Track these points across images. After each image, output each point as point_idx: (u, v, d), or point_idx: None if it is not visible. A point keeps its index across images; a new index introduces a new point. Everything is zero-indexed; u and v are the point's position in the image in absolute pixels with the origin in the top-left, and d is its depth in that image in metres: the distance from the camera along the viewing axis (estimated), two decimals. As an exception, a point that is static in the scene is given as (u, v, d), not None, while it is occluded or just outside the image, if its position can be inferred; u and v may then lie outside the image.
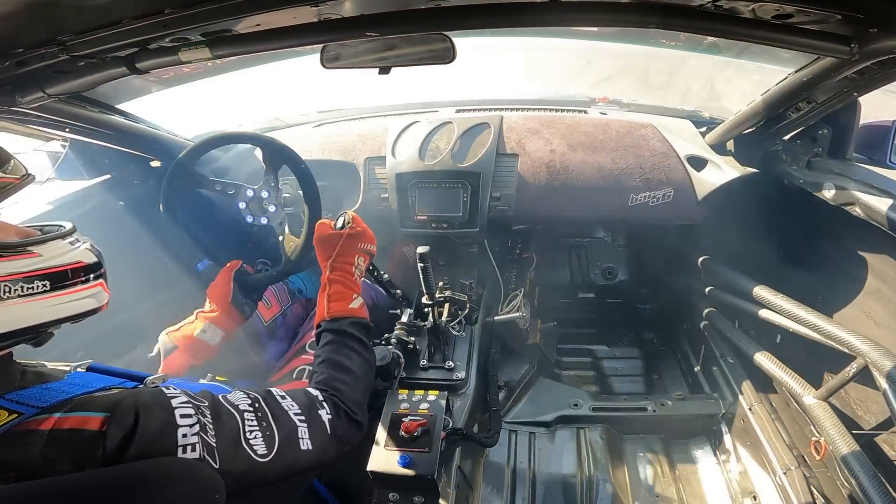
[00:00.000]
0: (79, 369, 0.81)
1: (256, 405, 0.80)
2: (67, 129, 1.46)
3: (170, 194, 1.48)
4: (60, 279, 0.74)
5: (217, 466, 0.68)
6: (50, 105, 1.25)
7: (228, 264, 1.47)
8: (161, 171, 1.89)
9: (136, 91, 1.64)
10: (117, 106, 1.59)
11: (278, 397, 0.86)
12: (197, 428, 0.68)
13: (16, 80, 1.07)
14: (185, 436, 0.66)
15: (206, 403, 0.73)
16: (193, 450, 0.66)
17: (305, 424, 0.84)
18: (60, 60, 0.99)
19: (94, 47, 0.96)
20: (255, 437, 0.76)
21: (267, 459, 0.75)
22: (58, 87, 1.10)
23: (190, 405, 0.70)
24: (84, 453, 0.60)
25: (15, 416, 0.62)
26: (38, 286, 0.70)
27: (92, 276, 0.79)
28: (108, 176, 1.82)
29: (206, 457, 0.67)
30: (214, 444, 0.69)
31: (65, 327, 0.77)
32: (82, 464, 0.59)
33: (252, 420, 0.77)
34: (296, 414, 0.85)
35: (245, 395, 0.82)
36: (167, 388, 0.73)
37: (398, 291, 1.56)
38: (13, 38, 0.90)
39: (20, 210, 1.52)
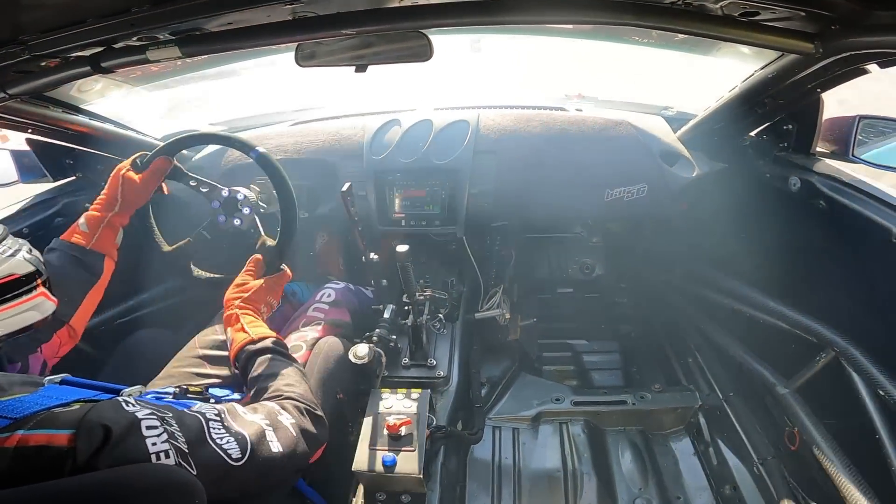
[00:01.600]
0: (52, 382, 0.78)
1: (221, 416, 0.80)
2: (30, 130, 1.40)
3: (182, 144, 1.45)
4: None
5: (195, 472, 0.67)
6: (11, 105, 1.21)
7: (162, 162, 1.38)
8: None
9: (103, 90, 1.58)
10: (83, 106, 1.53)
11: (239, 410, 0.86)
12: (165, 436, 0.67)
13: (-26, 80, 1.03)
14: (154, 444, 0.65)
15: (170, 414, 0.72)
16: (167, 456, 0.65)
17: (271, 428, 0.85)
18: (22, 60, 0.95)
19: (58, 46, 0.93)
20: (226, 442, 0.75)
21: (242, 462, 0.75)
22: (20, 87, 1.07)
23: (154, 416, 0.69)
24: (52, 468, 0.58)
25: None
26: None
27: (29, 287, 0.75)
28: (74, 178, 1.76)
29: (182, 462, 0.66)
30: (187, 450, 0.68)
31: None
32: (49, 478, 0.57)
33: (218, 427, 0.77)
34: (261, 419, 0.86)
35: (210, 407, 0.82)
36: (126, 402, 0.71)
37: (384, 281, 1.55)
38: (-30, 37, 0.86)
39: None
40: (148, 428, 0.66)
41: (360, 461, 1.13)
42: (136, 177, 1.32)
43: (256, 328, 1.15)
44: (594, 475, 1.60)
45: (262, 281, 1.26)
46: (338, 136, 1.93)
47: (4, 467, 0.57)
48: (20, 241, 0.81)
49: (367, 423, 1.22)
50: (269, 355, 1.09)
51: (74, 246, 1.22)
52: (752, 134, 1.65)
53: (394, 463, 1.11)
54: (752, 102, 1.47)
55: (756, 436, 1.53)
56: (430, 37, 1.04)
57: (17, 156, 1.60)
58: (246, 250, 1.40)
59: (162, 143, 1.60)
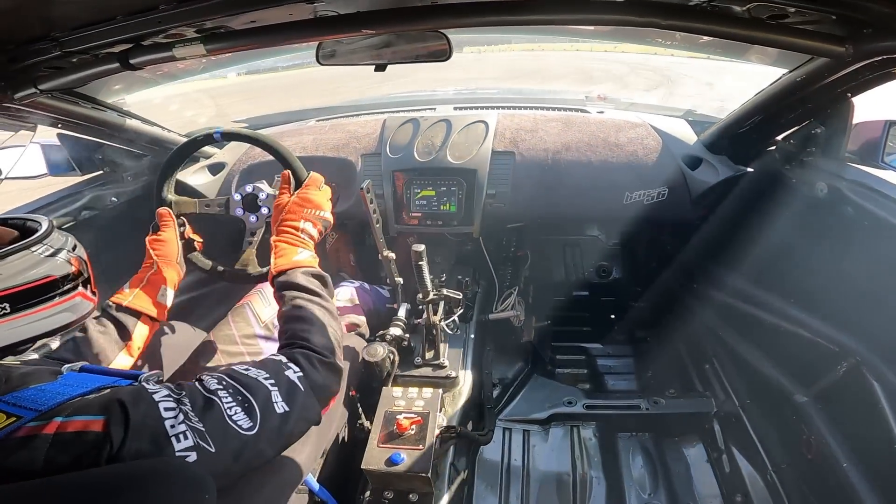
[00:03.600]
0: (72, 370, 0.80)
1: (224, 382, 0.79)
2: (60, 125, 1.45)
3: (180, 153, 1.42)
4: (22, 299, 0.69)
5: (213, 450, 0.68)
6: (42, 101, 1.24)
7: (162, 214, 1.31)
8: (155, 166, 1.88)
9: (129, 86, 1.62)
10: (109, 101, 1.57)
11: (241, 370, 0.84)
12: (182, 417, 0.68)
13: (8, 76, 1.07)
14: (173, 426, 0.66)
15: (184, 392, 0.73)
16: (186, 437, 0.66)
17: (276, 388, 0.82)
18: (53, 56, 0.98)
19: (88, 43, 0.96)
20: (236, 413, 0.74)
21: (254, 432, 0.74)
22: (50, 83, 1.10)
23: (170, 398, 0.69)
24: (90, 455, 0.60)
25: (13, 419, 0.60)
26: None
27: (65, 289, 0.75)
28: (101, 172, 1.81)
29: (200, 442, 0.67)
30: (203, 429, 0.69)
31: None
32: (86, 466, 0.59)
33: (227, 397, 0.76)
34: (265, 379, 0.83)
35: (211, 377, 0.81)
36: (146, 384, 0.72)
37: (400, 280, 1.55)
38: (6, 34, 0.89)
39: (10, 207, 1.51)
40: (165, 409, 0.67)
41: (370, 459, 1.14)
42: (155, 237, 1.29)
43: (282, 258, 1.09)
44: (603, 479, 1.59)
45: (293, 196, 1.17)
46: (356, 134, 1.95)
47: (42, 455, 0.58)
48: (66, 235, 0.81)
49: (378, 420, 1.23)
50: (292, 292, 1.04)
51: (110, 304, 1.18)
52: (779, 138, 1.61)
53: (403, 461, 1.11)
54: (779, 106, 1.43)
55: (771, 444, 1.49)
56: (450, 37, 1.04)
57: (46, 149, 1.65)
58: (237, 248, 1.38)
59: (185, 139, 1.63)
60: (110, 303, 1.16)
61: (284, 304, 1.03)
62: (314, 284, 1.06)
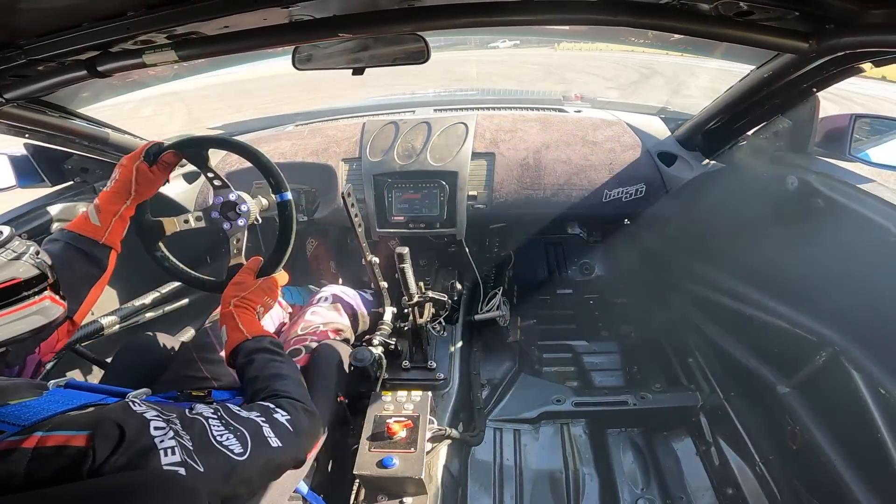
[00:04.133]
0: (58, 385, 0.78)
1: (218, 413, 0.81)
2: (28, 135, 1.40)
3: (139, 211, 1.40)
4: None
5: (202, 470, 0.67)
6: (8, 110, 1.20)
7: (169, 157, 1.28)
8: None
9: (98, 95, 1.58)
10: (80, 110, 1.53)
11: (234, 409, 0.86)
12: (171, 434, 0.67)
13: (-30, 85, 1.03)
14: (161, 441, 0.65)
15: (175, 414, 0.73)
16: (173, 453, 0.65)
17: (268, 424, 0.85)
18: (18, 64, 0.95)
19: (54, 50, 0.93)
20: (227, 439, 0.75)
21: (245, 457, 0.75)
22: (16, 92, 1.06)
23: (160, 418, 0.69)
24: (70, 469, 0.59)
25: None
26: None
27: (33, 291, 0.74)
28: (72, 182, 1.75)
29: (188, 460, 0.66)
30: (192, 448, 0.69)
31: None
32: (67, 480, 0.58)
33: (218, 425, 0.77)
34: (256, 416, 0.85)
35: (206, 406, 0.82)
36: (133, 404, 0.71)
37: (384, 284, 1.54)
38: (-34, 41, 0.86)
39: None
40: (156, 428, 0.67)
41: (362, 464, 1.13)
42: (148, 168, 1.25)
43: (252, 326, 1.15)
44: (596, 476, 1.60)
45: (259, 281, 1.25)
46: (336, 138, 1.93)
47: (22, 469, 0.57)
48: (28, 243, 0.79)
49: (368, 425, 1.22)
50: (264, 355, 1.08)
51: (83, 238, 1.15)
52: (749, 133, 1.65)
53: (395, 465, 1.11)
54: (748, 102, 1.47)
55: (758, 435, 1.53)
56: (427, 39, 1.04)
57: (14, 160, 1.59)
58: (222, 255, 1.37)
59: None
60: (80, 235, 1.14)
61: (254, 365, 1.06)
62: (273, 346, 1.12)
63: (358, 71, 1.16)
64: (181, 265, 1.39)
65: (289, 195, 1.29)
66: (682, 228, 2.08)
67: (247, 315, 1.16)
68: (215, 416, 0.79)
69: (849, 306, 1.32)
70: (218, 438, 0.75)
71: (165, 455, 0.64)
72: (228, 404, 0.88)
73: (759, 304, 1.53)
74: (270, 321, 1.58)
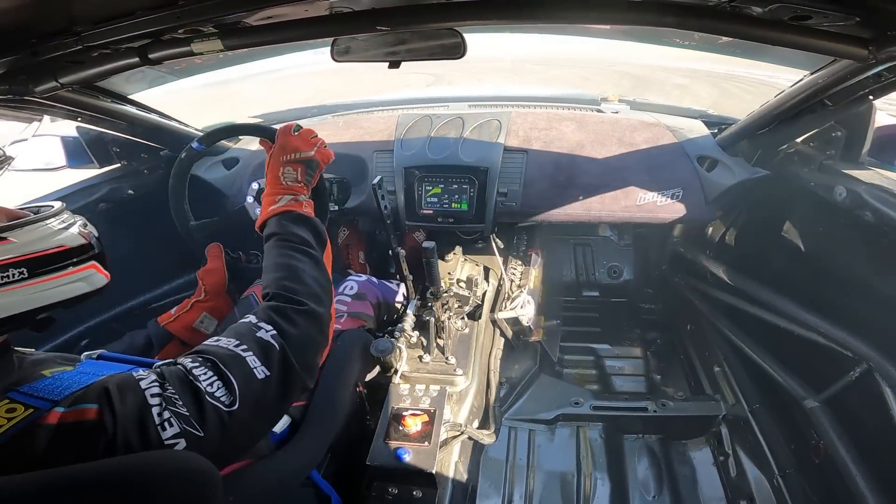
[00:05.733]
0: (90, 358, 0.81)
1: (200, 359, 0.77)
2: (80, 119, 1.47)
3: (179, 176, 1.48)
4: (39, 265, 0.71)
5: (201, 434, 0.68)
6: (63, 94, 1.26)
7: (212, 248, 1.47)
8: (171, 160, 1.91)
9: (148, 81, 1.65)
10: (129, 96, 1.60)
11: (212, 343, 0.81)
12: (165, 403, 0.67)
13: (30, 70, 1.08)
14: (160, 414, 0.66)
15: (167, 380, 0.72)
16: (171, 425, 0.66)
17: (250, 353, 0.79)
18: (75, 50, 1.00)
19: (109, 38, 0.97)
20: (218, 389, 0.73)
21: (236, 406, 0.72)
22: (71, 77, 1.11)
23: (156, 384, 0.69)
24: (88, 444, 0.61)
25: (31, 410, 0.61)
26: (13, 274, 0.68)
27: (79, 259, 0.77)
28: (118, 165, 1.84)
29: (187, 428, 0.67)
30: (188, 413, 0.68)
31: (70, 312, 0.77)
32: (85, 456, 0.59)
33: (204, 374, 0.74)
34: (236, 346, 0.79)
35: (187, 356, 0.79)
36: (135, 372, 0.72)
37: (410, 276, 1.56)
38: (29, 28, 0.91)
39: (30, 197, 1.54)
40: (151, 395, 0.67)
41: (375, 454, 1.14)
42: (205, 268, 1.46)
43: (264, 211, 1.07)
44: (608, 480, 1.58)
45: (273, 147, 1.16)
46: (370, 130, 1.95)
47: (45, 445, 0.59)
48: (76, 216, 0.84)
49: (384, 417, 1.23)
50: (270, 242, 1.00)
51: (154, 324, 1.34)
52: (798, 140, 1.58)
53: (408, 458, 1.12)
54: (799, 108, 1.41)
55: (779, 448, 1.48)
56: (464, 34, 1.03)
57: (66, 142, 1.68)
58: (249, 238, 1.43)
59: (200, 133, 1.65)
60: (156, 321, 1.31)
61: (265, 256, 0.99)
62: (295, 229, 1.01)
63: (394, 64, 1.17)
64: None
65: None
66: (719, 235, 2.02)
67: (266, 198, 1.09)
68: (198, 363, 0.76)
69: (888, 323, 1.26)
70: (208, 390, 0.72)
71: (164, 429, 0.65)
72: (205, 343, 0.82)
73: (795, 316, 1.48)
74: None
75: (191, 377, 0.73)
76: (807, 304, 1.48)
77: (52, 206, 0.80)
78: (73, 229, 0.78)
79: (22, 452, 0.59)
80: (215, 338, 0.82)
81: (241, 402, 0.73)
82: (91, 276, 0.79)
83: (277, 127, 1.20)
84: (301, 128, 1.19)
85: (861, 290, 1.37)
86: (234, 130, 1.44)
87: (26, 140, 1.54)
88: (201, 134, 1.71)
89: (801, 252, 1.61)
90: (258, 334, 0.82)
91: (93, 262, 0.79)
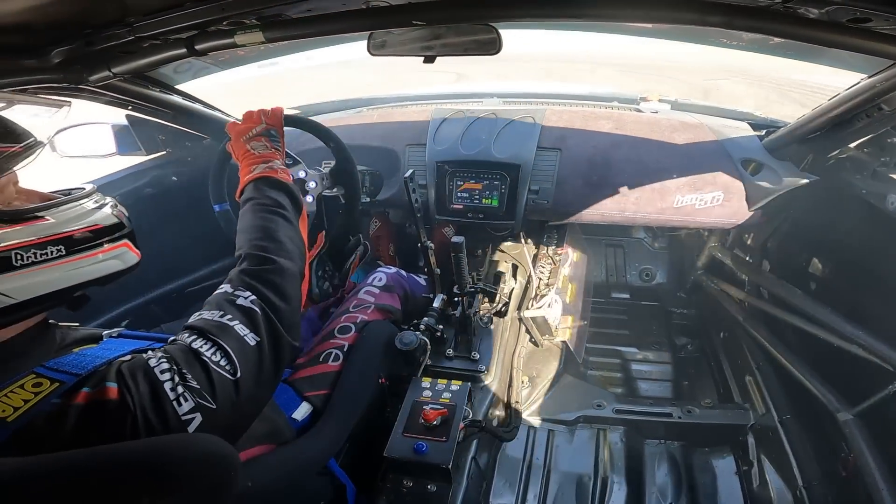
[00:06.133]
0: (110, 336, 0.84)
1: (196, 333, 0.77)
2: (130, 107, 1.54)
3: (220, 163, 1.53)
4: (76, 243, 0.74)
5: (214, 406, 0.69)
6: (115, 83, 1.32)
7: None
8: (213, 149, 1.98)
9: (193, 72, 1.71)
10: (176, 86, 1.66)
11: (195, 318, 0.81)
12: (177, 378, 0.68)
13: (84, 59, 1.13)
14: (172, 389, 0.67)
15: (175, 352, 0.73)
16: (186, 399, 0.66)
17: (236, 321, 0.79)
18: (127, 41, 1.04)
19: (158, 28, 1.01)
20: (220, 359, 0.73)
21: (239, 374, 0.73)
22: (123, 67, 1.16)
23: (164, 360, 0.70)
24: (115, 424, 0.62)
25: (57, 384, 0.63)
26: (52, 251, 0.71)
27: (112, 237, 0.79)
28: (164, 153, 1.91)
29: (200, 401, 0.68)
30: (199, 386, 0.69)
31: (113, 294, 0.80)
32: (112, 436, 0.61)
33: (204, 344, 0.74)
34: (220, 317, 0.79)
35: (181, 334, 0.79)
36: (147, 351, 0.74)
37: (437, 270, 1.57)
38: (83, 18, 0.95)
39: (78, 181, 1.64)
40: (161, 372, 0.68)
41: (393, 447, 1.15)
42: None
43: (242, 177, 1.10)
44: (625, 484, 1.55)
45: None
46: (403, 124, 1.97)
47: (72, 424, 0.61)
48: (108, 198, 0.87)
49: (405, 409, 1.25)
50: (246, 206, 1.02)
51: None
52: (852, 146, 1.50)
53: (425, 452, 1.13)
54: (854, 112, 1.33)
55: (806, 459, 1.43)
56: (500, 30, 1.02)
57: (116, 130, 1.77)
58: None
59: None
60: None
61: (239, 220, 1.00)
62: (269, 193, 1.03)
63: (429, 59, 1.17)
64: None
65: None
66: (760, 241, 1.93)
67: (242, 168, 1.12)
68: (195, 337, 0.76)
69: None
70: (214, 360, 0.73)
71: (179, 404, 0.66)
72: (190, 319, 0.82)
73: (835, 326, 1.42)
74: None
75: (194, 352, 0.73)
76: (849, 315, 1.41)
77: (84, 189, 0.83)
78: (105, 209, 0.82)
79: (52, 433, 0.60)
80: (197, 313, 0.82)
81: (241, 370, 0.74)
82: (124, 254, 0.82)
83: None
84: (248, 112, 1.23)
85: None
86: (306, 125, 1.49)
87: (73, 127, 1.63)
88: None
89: (846, 261, 1.53)
90: (238, 302, 0.81)
91: (125, 241, 0.82)
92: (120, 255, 0.81)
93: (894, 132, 1.36)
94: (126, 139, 1.77)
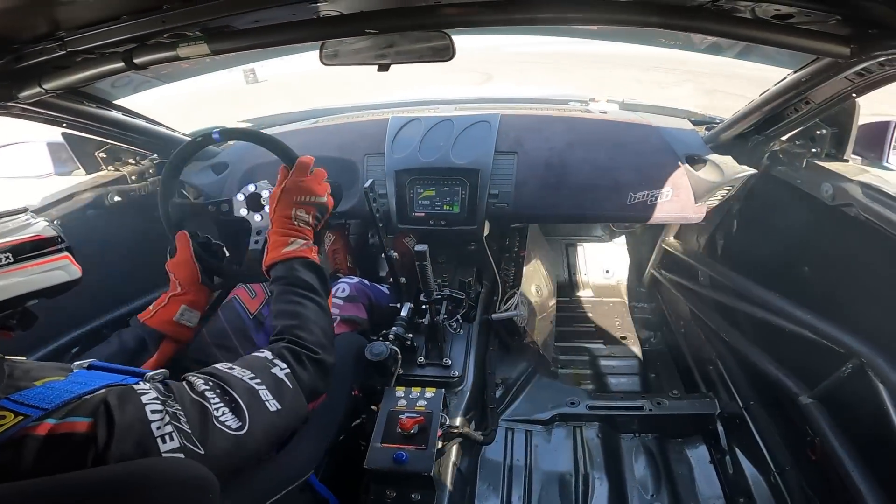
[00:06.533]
0: (81, 367, 0.81)
1: (211, 382, 0.79)
2: (65, 125, 1.45)
3: (169, 180, 1.44)
4: (22, 251, 0.77)
5: (202, 452, 0.68)
6: (47, 100, 1.25)
7: (179, 238, 1.35)
8: (159, 166, 1.89)
9: (134, 86, 1.63)
10: (115, 102, 1.58)
11: (226, 369, 0.84)
12: (168, 418, 0.68)
13: (13, 75, 1.07)
14: (159, 428, 0.67)
15: (173, 396, 0.73)
16: (171, 439, 0.66)
17: (263, 386, 0.82)
18: (58, 55, 0.99)
19: (93, 42, 0.96)
20: (224, 415, 0.75)
21: (244, 431, 0.75)
22: (55, 83, 1.10)
23: (158, 400, 0.70)
24: (77, 456, 0.61)
25: (21, 418, 0.61)
26: (1, 259, 0.73)
27: (54, 249, 0.82)
28: (105, 171, 1.82)
29: (188, 444, 0.67)
30: (190, 431, 0.69)
31: (62, 320, 0.78)
32: (73, 468, 0.60)
33: (215, 399, 0.77)
34: (250, 378, 0.83)
35: (198, 376, 0.81)
36: (137, 384, 0.73)
37: (403, 279, 1.55)
38: (11, 33, 0.90)
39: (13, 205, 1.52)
40: (153, 412, 0.68)
41: (373, 458, 1.14)
42: (174, 261, 1.33)
43: (273, 251, 1.09)
44: (606, 480, 1.58)
45: (285, 183, 1.15)
46: (360, 133, 1.95)
47: (33, 456, 0.59)
48: (40, 217, 0.87)
49: (381, 420, 1.23)
50: (281, 285, 1.03)
51: (139, 323, 1.26)
52: (784, 139, 1.60)
53: (406, 461, 1.11)
54: (784, 107, 1.43)
55: (776, 445, 1.49)
56: (453, 37, 1.04)
57: (52, 148, 1.66)
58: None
59: (189, 138, 1.64)
60: (137, 319, 1.25)
61: (275, 298, 1.03)
62: (305, 276, 1.05)
63: (383, 67, 1.17)
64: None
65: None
66: (709, 234, 2.03)
67: (275, 238, 1.10)
68: (209, 387, 0.78)
69: (879, 318, 1.27)
70: (216, 414, 0.74)
71: (164, 442, 0.66)
72: (216, 367, 0.85)
73: (786, 312, 1.49)
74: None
75: (199, 397, 0.75)
76: (797, 301, 1.49)
77: (14, 209, 0.84)
78: (42, 223, 0.84)
79: (10, 462, 0.58)
80: (228, 365, 0.85)
81: (250, 428, 0.76)
82: (67, 266, 0.83)
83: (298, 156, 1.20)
84: (314, 168, 1.20)
85: (850, 285, 1.39)
86: (255, 138, 1.39)
87: (2, 147, 1.53)
88: (187, 138, 1.69)
89: (790, 249, 1.62)
90: (273, 370, 0.86)
91: (66, 254, 0.84)
92: (64, 267, 0.83)
93: (822, 124, 1.45)
94: (63, 158, 1.67)
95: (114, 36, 0.96)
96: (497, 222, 1.88)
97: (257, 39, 1.02)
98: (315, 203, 1.16)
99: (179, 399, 0.73)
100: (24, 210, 0.84)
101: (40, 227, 0.82)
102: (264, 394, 0.81)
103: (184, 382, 0.78)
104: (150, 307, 1.28)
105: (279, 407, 0.82)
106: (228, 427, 0.74)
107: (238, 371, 0.83)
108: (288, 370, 0.87)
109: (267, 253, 1.10)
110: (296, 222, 1.12)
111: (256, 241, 1.37)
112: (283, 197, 1.14)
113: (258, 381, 0.83)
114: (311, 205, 1.15)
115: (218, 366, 0.85)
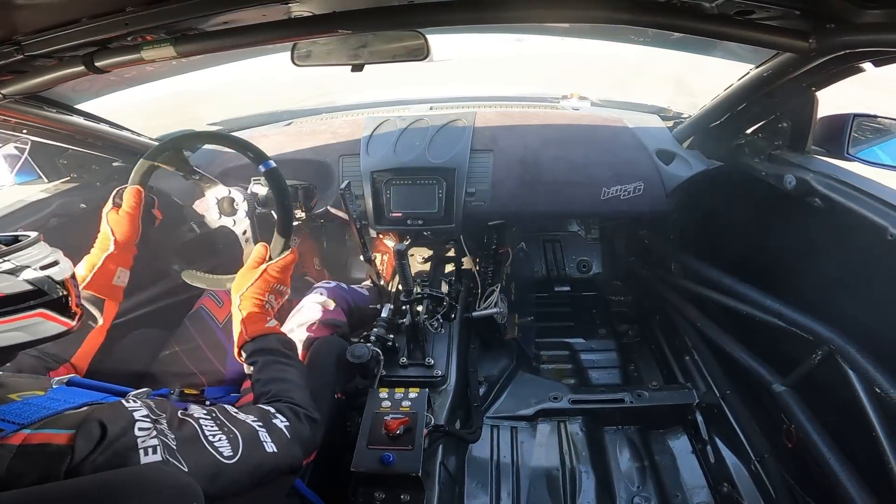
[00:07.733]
0: (61, 383, 0.79)
1: (213, 414, 0.83)
2: (25, 131, 1.39)
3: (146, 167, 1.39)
4: None
5: (185, 469, 0.68)
6: (6, 105, 1.20)
7: (135, 191, 1.28)
8: (124, 171, 1.82)
9: (97, 90, 1.57)
10: (77, 106, 1.52)
11: (231, 411, 0.87)
12: (155, 433, 0.68)
13: (-33, 81, 1.02)
14: (144, 441, 0.66)
15: (165, 414, 0.74)
16: (154, 452, 0.66)
17: (265, 430, 0.86)
18: (15, 60, 0.95)
19: (51, 46, 0.93)
20: (218, 440, 0.77)
21: (234, 461, 0.76)
22: (13, 88, 1.07)
23: (147, 418, 0.70)
24: (50, 466, 0.60)
25: None
26: None
27: (18, 307, 0.70)
28: (68, 178, 1.75)
29: (170, 459, 0.67)
30: (175, 447, 0.70)
31: None
32: (47, 477, 0.59)
33: (211, 425, 0.79)
34: (253, 421, 0.87)
35: (200, 407, 0.84)
36: (128, 400, 0.72)
37: (382, 280, 1.55)
38: (-37, 37, 0.85)
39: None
40: (140, 428, 0.67)
41: (359, 461, 1.13)
42: (118, 214, 1.27)
43: (254, 325, 1.14)
44: (592, 473, 1.60)
45: (262, 269, 1.21)
46: (335, 134, 1.93)
47: (6, 465, 0.59)
48: (46, 254, 0.76)
49: (366, 422, 1.22)
50: (267, 357, 1.09)
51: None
52: (748, 132, 1.65)
53: (392, 462, 1.11)
54: (747, 101, 1.47)
55: (753, 433, 1.53)
56: (427, 36, 1.04)
57: (9, 157, 1.59)
58: (237, 252, 1.39)
59: (156, 143, 1.59)
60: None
61: (258, 367, 1.08)
62: (287, 348, 1.14)
63: (357, 67, 1.16)
64: (199, 273, 1.40)
65: (272, 163, 1.31)
66: (680, 226, 2.09)
67: (251, 313, 1.16)
68: (208, 417, 0.80)
69: (845, 305, 1.32)
70: (210, 439, 0.75)
71: (146, 454, 0.65)
72: (225, 406, 0.89)
73: (757, 302, 1.54)
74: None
75: (193, 421, 0.77)
76: (767, 290, 1.53)
77: (29, 236, 0.75)
78: (22, 274, 0.71)
79: None
80: (234, 409, 0.89)
81: (241, 460, 0.77)
82: (33, 326, 0.71)
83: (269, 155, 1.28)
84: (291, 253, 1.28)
85: (815, 273, 1.44)
86: (224, 140, 1.37)
87: None
88: (155, 143, 1.64)
89: (757, 239, 1.67)
90: (274, 421, 0.90)
91: (40, 311, 0.72)
92: (25, 327, 0.70)
93: (783, 117, 1.50)
94: (23, 166, 1.60)
95: (73, 39, 0.93)
96: (474, 220, 1.89)
97: (226, 41, 1.00)
98: (284, 293, 1.26)
99: (170, 418, 0.74)
100: (15, 250, 0.72)
101: (10, 282, 0.69)
102: (263, 435, 0.85)
103: (177, 411, 0.78)
104: (81, 269, 1.20)
105: (275, 450, 0.85)
106: (220, 452, 0.75)
107: (242, 415, 0.87)
108: (287, 423, 0.92)
109: (246, 327, 1.14)
110: (268, 305, 1.20)
111: (248, 240, 1.42)
112: (262, 283, 1.21)
113: (259, 423, 0.87)
114: (281, 293, 1.25)
115: (227, 406, 0.89)
